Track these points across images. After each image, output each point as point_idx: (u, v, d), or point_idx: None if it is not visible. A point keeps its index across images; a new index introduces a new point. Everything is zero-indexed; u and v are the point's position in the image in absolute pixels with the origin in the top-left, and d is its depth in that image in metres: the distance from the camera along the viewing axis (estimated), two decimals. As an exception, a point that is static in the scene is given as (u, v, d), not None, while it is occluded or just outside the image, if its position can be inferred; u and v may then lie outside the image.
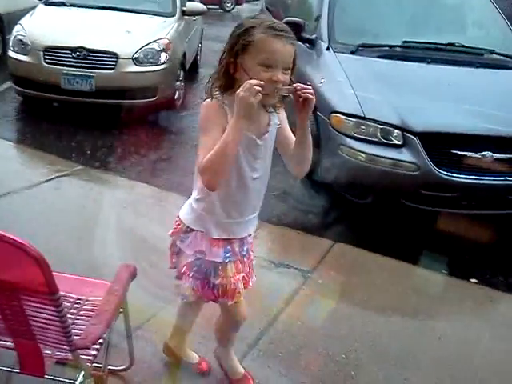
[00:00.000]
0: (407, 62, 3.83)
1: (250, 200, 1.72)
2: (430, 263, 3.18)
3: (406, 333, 2.59)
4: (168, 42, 5.25)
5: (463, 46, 4.02)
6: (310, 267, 3.02)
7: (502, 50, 4.14)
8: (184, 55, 5.90)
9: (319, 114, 3.64)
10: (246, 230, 1.78)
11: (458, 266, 3.28)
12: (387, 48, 3.92)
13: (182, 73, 5.80)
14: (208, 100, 1.61)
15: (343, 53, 3.91)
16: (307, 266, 3.03)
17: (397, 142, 3.34)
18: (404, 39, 4.01)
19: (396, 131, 3.34)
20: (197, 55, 7.62)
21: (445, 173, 3.30)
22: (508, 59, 4.13)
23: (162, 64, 5.12)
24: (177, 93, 5.64)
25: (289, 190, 3.98)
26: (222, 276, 1.73)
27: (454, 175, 3.31)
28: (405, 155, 3.31)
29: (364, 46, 3.91)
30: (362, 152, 3.36)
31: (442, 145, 3.34)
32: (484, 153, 3.29)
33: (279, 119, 1.68)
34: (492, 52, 4.11)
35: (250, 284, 1.86)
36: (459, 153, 3.32)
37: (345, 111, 3.45)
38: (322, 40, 4.08)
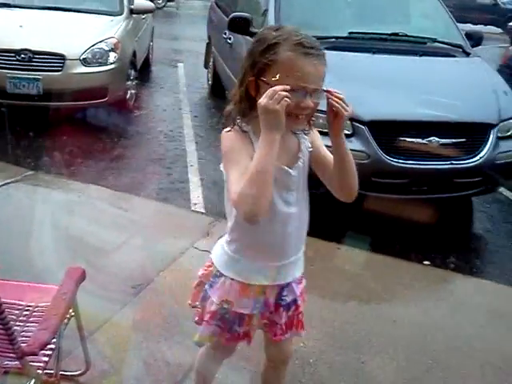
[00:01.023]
0: (353, 52, 3.90)
1: (289, 240, 1.49)
2: (383, 248, 3.27)
3: (362, 317, 2.65)
4: (116, 41, 5.17)
5: (407, 36, 4.12)
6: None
7: (443, 38, 4.27)
8: (134, 54, 5.83)
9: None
10: (287, 275, 1.54)
11: (411, 250, 3.38)
12: (334, 40, 3.97)
13: (132, 72, 5.74)
14: (228, 128, 1.39)
15: (291, 46, 3.94)
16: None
17: (346, 132, 3.39)
18: (350, 30, 4.07)
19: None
20: (148, 54, 7.54)
21: (394, 160, 3.39)
22: (450, 47, 4.26)
23: (111, 64, 5.04)
24: (128, 93, 5.58)
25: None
26: (247, 325, 1.58)
27: (403, 162, 3.40)
28: (354, 144, 3.38)
29: (310, 38, 3.95)
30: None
31: (389, 132, 3.43)
32: (430, 139, 3.40)
33: (310, 140, 1.46)
34: (434, 40, 4.23)
35: (286, 336, 1.64)
36: (407, 140, 3.41)
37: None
38: (269, 34, 4.10)
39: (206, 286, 1.57)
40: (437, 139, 3.40)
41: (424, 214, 3.41)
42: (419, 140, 3.40)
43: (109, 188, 3.84)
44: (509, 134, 3.61)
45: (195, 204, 3.86)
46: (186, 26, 12.72)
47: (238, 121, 1.37)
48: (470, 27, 8.48)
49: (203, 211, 3.75)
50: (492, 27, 15.81)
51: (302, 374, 2.23)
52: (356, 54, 3.91)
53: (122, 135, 5.07)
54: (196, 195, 3.99)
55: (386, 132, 3.40)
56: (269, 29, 1.37)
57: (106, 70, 4.99)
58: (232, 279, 1.51)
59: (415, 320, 2.68)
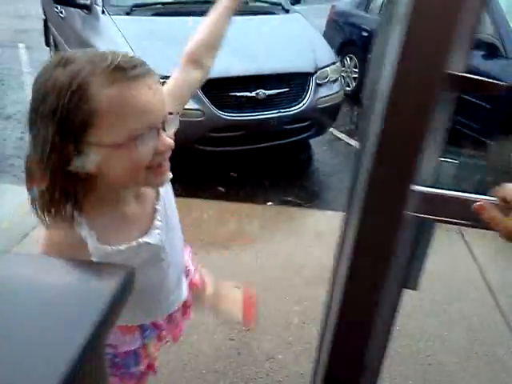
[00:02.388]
0: (179, 16, 4.06)
1: (171, 287, 1.27)
2: (232, 196, 3.58)
3: (225, 260, 2.92)
4: None
5: (230, -3, 4.36)
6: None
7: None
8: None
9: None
10: (171, 308, 1.32)
11: (256, 195, 3.73)
12: (160, 6, 4.11)
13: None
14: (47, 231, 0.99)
15: (119, 15, 4.01)
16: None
17: (180, 93, 3.60)
18: (176, -5, 4.23)
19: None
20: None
21: (227, 114, 3.67)
22: (270, 5, 4.60)
23: None
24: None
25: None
26: (145, 358, 1.32)
27: (235, 115, 3.69)
28: (189, 103, 3.55)
29: (137, 6, 4.06)
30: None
31: (220, 89, 3.68)
32: (257, 91, 3.72)
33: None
34: (258, 0, 4.53)
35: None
36: (237, 94, 3.70)
37: (126, 70, 3.59)
38: (96, 4, 4.12)
39: None
40: (263, 91, 3.73)
41: (265, 161, 3.75)
42: (247, 93, 3.70)
43: None
44: (326, 80, 4.05)
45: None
46: (33, 4, 11.94)
47: (63, 213, 0.93)
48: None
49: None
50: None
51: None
52: (182, 17, 4.07)
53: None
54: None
55: (217, 89, 3.65)
56: (53, 67, 0.88)
57: None
58: None
59: (274, 253, 3.00)
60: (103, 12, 4.03)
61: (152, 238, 1.09)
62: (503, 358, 2.35)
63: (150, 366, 1.39)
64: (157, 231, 1.10)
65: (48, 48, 6.83)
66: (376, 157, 0.66)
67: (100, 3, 4.09)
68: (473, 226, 0.88)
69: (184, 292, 1.37)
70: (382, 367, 0.93)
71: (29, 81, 6.15)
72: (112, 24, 3.94)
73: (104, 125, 0.86)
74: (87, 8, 4.19)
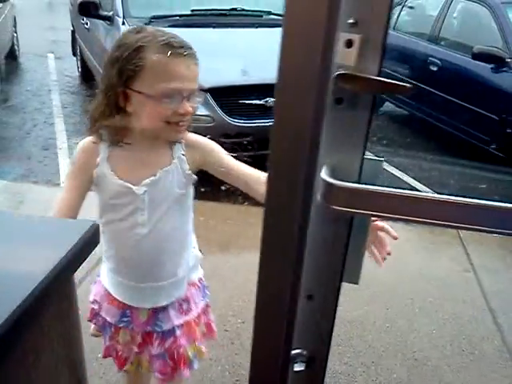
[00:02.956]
0: (195, 28, 4.27)
1: (146, 261, 1.35)
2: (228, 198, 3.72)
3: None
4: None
5: (244, 10, 4.56)
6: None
7: (277, 11, 4.76)
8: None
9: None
10: (151, 300, 1.40)
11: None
12: (177, 17, 4.31)
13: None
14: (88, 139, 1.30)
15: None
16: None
17: (191, 99, 3.79)
18: (192, 8, 4.43)
19: (190, 90, 3.78)
20: (13, 45, 7.42)
21: (236, 121, 3.83)
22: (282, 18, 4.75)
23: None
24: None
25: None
26: (113, 338, 1.46)
27: (245, 122, 3.86)
28: (200, 110, 3.73)
29: (156, 17, 4.27)
30: (164, 112, 3.76)
31: (230, 97, 3.85)
32: (266, 99, 3.88)
33: (198, 155, 1.33)
34: (269, 13, 4.70)
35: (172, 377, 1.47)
36: (246, 102, 3.87)
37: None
38: (118, 16, 4.36)
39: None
40: (272, 99, 3.88)
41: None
42: (257, 101, 3.86)
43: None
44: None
45: (64, 182, 4.08)
46: (64, 17, 12.44)
47: (105, 136, 1.27)
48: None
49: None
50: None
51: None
52: (198, 29, 4.28)
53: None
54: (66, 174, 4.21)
55: (227, 97, 3.82)
56: (129, 32, 1.23)
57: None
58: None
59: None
60: (123, 23, 4.26)
61: (135, 188, 1.27)
62: (490, 356, 2.42)
63: (120, 358, 1.47)
64: (144, 188, 1.27)
65: (74, 57, 7.15)
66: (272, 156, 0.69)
67: (121, 15, 4.33)
68: (400, 220, 0.95)
69: (170, 296, 1.41)
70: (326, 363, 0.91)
71: (55, 88, 6.46)
72: (131, 34, 4.16)
73: (145, 79, 1.16)
74: (109, 19, 4.44)
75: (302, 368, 0.86)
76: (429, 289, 2.86)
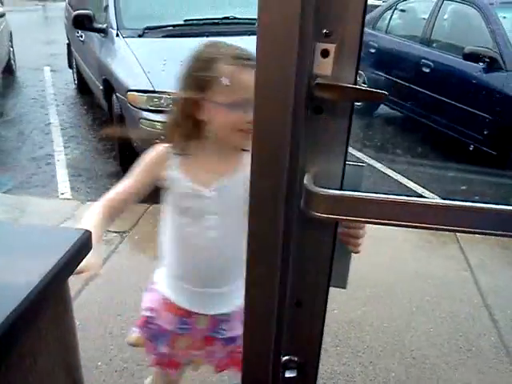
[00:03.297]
0: (189, 37, 4.31)
1: (212, 266, 1.39)
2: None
3: None
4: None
5: (236, 18, 4.61)
6: (128, 228, 3.42)
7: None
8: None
9: (118, 94, 4.01)
10: (215, 307, 1.43)
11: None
12: (171, 28, 4.37)
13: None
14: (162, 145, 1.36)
15: (132, 37, 4.29)
16: (125, 228, 3.43)
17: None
18: (185, 18, 4.49)
19: (184, 99, 3.83)
20: (10, 59, 7.49)
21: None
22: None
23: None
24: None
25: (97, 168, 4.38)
26: (171, 346, 1.47)
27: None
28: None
29: (149, 28, 4.33)
30: (159, 121, 3.79)
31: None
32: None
33: None
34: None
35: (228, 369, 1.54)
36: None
37: (137, 88, 3.85)
38: (112, 28, 4.42)
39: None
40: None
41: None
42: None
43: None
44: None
45: (62, 193, 4.13)
46: (61, 31, 12.56)
47: (179, 143, 1.33)
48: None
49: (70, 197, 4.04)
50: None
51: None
52: (191, 38, 4.32)
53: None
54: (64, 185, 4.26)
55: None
56: (203, 46, 1.33)
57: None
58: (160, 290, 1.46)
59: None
60: (117, 35, 4.32)
61: (206, 191, 1.32)
62: (487, 352, 2.44)
63: (174, 363, 1.51)
64: (214, 192, 1.32)
65: (71, 70, 7.21)
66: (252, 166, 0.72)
67: (115, 27, 4.39)
68: (382, 224, 0.95)
69: (229, 306, 1.42)
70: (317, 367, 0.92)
71: (51, 100, 6.52)
72: (125, 46, 4.22)
73: (218, 89, 1.23)
74: (103, 31, 4.49)
75: (294, 374, 0.87)
76: (426, 288, 2.89)
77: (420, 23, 5.82)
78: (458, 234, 3.40)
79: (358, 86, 0.72)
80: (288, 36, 0.66)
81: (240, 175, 1.32)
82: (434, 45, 5.43)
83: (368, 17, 6.95)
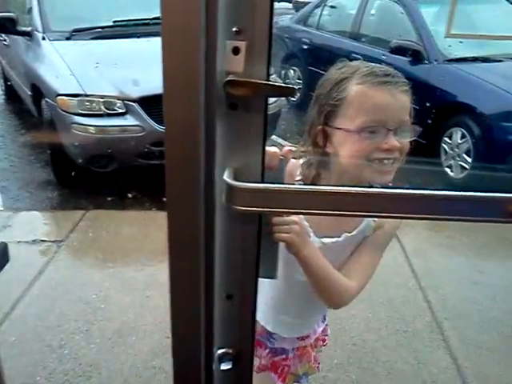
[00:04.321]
0: (119, 39, 4.25)
1: (295, 302, 1.35)
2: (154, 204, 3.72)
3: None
4: None
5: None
6: (64, 236, 3.33)
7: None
8: None
9: (47, 99, 3.88)
10: (278, 329, 1.41)
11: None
12: (100, 29, 4.28)
13: None
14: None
15: (59, 40, 4.17)
16: (61, 236, 3.33)
17: (120, 111, 3.77)
18: (114, 19, 4.41)
19: (118, 101, 3.76)
20: None
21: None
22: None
23: None
24: None
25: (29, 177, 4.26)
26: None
27: (176, 129, 3.87)
28: (130, 120, 3.77)
29: (77, 30, 4.22)
30: (92, 126, 3.71)
31: (159, 105, 3.85)
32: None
33: None
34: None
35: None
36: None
37: (67, 92, 3.75)
38: (37, 31, 4.27)
39: None
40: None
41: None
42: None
43: None
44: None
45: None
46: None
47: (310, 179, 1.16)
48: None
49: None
50: (284, 3, 17.18)
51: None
52: (121, 40, 4.26)
53: None
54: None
55: (156, 105, 3.83)
56: (334, 67, 1.16)
57: None
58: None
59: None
60: (43, 38, 4.18)
61: (315, 241, 1.15)
62: (422, 332, 2.56)
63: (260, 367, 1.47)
64: (329, 244, 1.17)
65: (-3, 76, 6.90)
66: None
67: (40, 29, 4.25)
68: (304, 214, 0.98)
69: (306, 329, 1.43)
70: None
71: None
72: (53, 49, 4.09)
73: (345, 113, 1.06)
74: (28, 35, 4.33)
75: (230, 366, 0.88)
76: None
77: (349, 19, 5.98)
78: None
79: (269, 82, 0.72)
80: (193, 35, 0.66)
81: (358, 234, 1.18)
82: (363, 39, 5.61)
83: (299, 13, 7.09)
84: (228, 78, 0.71)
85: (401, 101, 1.07)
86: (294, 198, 0.79)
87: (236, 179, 0.76)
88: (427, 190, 0.83)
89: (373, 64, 1.13)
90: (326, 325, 1.56)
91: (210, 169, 0.76)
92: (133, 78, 3.86)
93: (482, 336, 2.55)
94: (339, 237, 1.17)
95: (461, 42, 4.68)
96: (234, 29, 0.71)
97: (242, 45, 0.71)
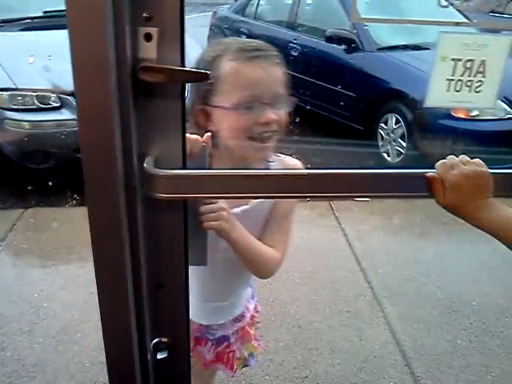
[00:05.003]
0: (50, 30, 4.09)
1: (219, 283, 1.35)
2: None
3: None
4: None
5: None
6: (2, 236, 3.21)
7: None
8: None
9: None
10: (209, 319, 1.41)
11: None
12: (29, 20, 4.12)
13: None
14: None
15: (-15, 32, 3.99)
16: (-1, 236, 3.22)
17: (55, 105, 3.66)
18: (44, 10, 4.25)
19: (52, 95, 3.65)
20: None
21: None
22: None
23: None
24: None
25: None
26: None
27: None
28: (65, 114, 3.66)
29: (5, 21, 4.05)
30: (26, 121, 3.59)
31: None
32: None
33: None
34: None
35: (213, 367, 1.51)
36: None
37: (-3, 87, 3.60)
38: (-38, 22, 4.07)
39: None
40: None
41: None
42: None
43: None
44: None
45: None
46: None
47: None
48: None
49: None
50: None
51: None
52: (53, 31, 4.10)
53: None
54: None
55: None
56: (207, 47, 1.18)
57: None
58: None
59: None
60: (-33, 29, 3.99)
61: (234, 210, 1.14)
62: (363, 311, 2.67)
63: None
64: (240, 209, 1.17)
65: None
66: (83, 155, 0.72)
67: (-34, 21, 4.04)
68: (226, 198, 0.94)
69: (230, 312, 1.43)
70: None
71: None
72: (-22, 41, 3.91)
73: (221, 91, 1.06)
74: (-48, 27, 4.11)
75: (165, 355, 0.90)
76: (308, 259, 3.06)
77: (285, 8, 6.03)
78: (332, 205, 3.63)
79: (184, 68, 0.73)
80: (99, 21, 0.65)
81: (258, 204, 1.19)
82: (300, 29, 5.68)
83: (237, 3, 7.08)
84: (142, 65, 0.71)
85: (274, 74, 1.08)
86: (215, 182, 0.80)
87: (157, 167, 0.76)
88: (351, 169, 0.87)
89: (245, 39, 1.17)
90: (257, 301, 1.57)
91: (129, 158, 0.74)
92: (67, 71, 3.73)
93: (418, 310, 2.68)
94: (247, 204, 1.19)
95: (392, 31, 4.84)
96: (144, 15, 0.70)
97: (153, 31, 0.71)
